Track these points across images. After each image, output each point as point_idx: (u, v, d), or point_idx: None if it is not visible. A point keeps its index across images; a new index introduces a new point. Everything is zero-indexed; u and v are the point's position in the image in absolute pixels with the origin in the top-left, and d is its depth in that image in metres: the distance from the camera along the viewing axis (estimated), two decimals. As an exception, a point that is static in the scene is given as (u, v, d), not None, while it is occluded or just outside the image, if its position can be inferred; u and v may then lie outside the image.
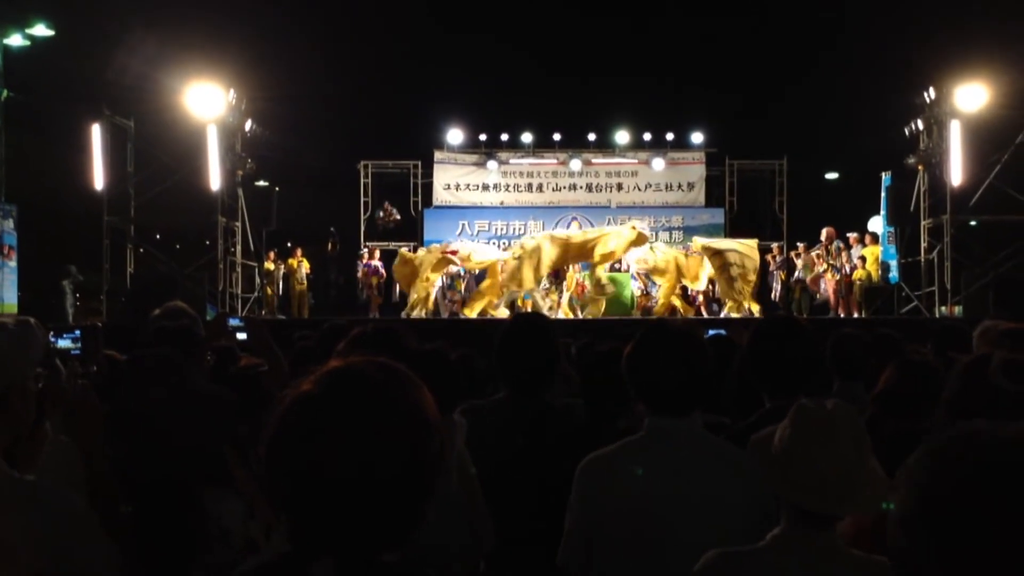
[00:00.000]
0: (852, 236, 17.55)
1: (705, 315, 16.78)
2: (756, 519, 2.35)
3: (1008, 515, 0.93)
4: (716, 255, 15.88)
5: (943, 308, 16.10)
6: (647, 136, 21.39)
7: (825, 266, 16.81)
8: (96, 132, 16.00)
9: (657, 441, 2.45)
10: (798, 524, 1.94)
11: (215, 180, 16.11)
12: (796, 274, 17.58)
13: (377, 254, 18.70)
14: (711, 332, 6.49)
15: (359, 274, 18.45)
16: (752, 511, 2.36)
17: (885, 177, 18.34)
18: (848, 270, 16.97)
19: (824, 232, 17.07)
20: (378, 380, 1.32)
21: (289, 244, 19.60)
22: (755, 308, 15.72)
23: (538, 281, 15.73)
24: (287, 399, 1.31)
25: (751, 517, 2.35)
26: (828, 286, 16.69)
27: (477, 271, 17.03)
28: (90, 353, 3.42)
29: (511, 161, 21.67)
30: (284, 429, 1.29)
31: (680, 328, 2.58)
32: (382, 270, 18.21)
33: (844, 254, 17.00)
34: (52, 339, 5.88)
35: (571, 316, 15.69)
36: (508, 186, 21.66)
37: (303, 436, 1.26)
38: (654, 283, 17.02)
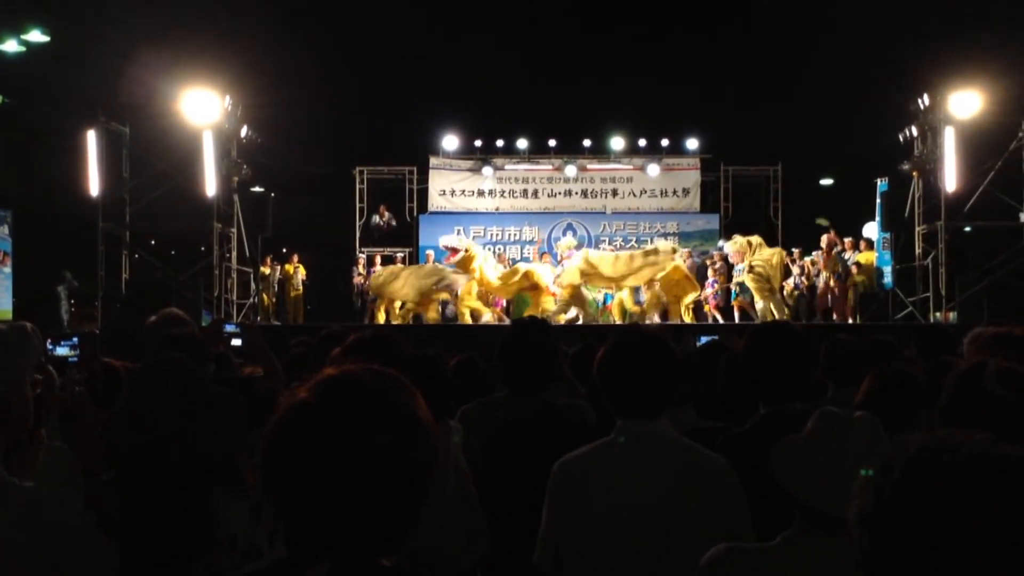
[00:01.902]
0: (847, 241, 17.58)
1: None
2: (724, 520, 2.38)
3: (965, 523, 0.98)
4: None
5: (938, 314, 16.12)
6: (642, 142, 21.41)
7: (827, 274, 16.84)
8: (91, 138, 15.99)
9: (627, 444, 2.50)
10: (808, 526, 1.95)
11: (210, 186, 16.10)
12: (793, 280, 17.57)
13: (378, 260, 18.70)
14: (704, 339, 6.51)
15: (355, 280, 18.48)
16: (719, 511, 2.38)
17: (880, 183, 18.39)
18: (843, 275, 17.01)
19: (825, 239, 17.12)
20: (372, 387, 1.33)
21: (285, 250, 19.60)
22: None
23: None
24: (283, 406, 1.33)
25: (718, 518, 2.38)
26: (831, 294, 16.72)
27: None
28: (87, 360, 3.42)
29: (506, 167, 21.68)
30: (280, 435, 1.30)
31: (649, 333, 2.63)
32: None
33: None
34: (49, 346, 5.85)
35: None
36: (503, 192, 21.67)
37: (299, 442, 1.28)
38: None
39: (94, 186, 16.04)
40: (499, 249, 20.10)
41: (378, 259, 19.02)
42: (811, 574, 1.90)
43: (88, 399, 2.18)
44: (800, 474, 1.97)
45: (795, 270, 17.54)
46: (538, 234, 21.03)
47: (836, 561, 1.91)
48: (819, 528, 1.92)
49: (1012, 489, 0.97)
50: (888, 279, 17.68)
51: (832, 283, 16.78)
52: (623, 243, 20.88)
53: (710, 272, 17.81)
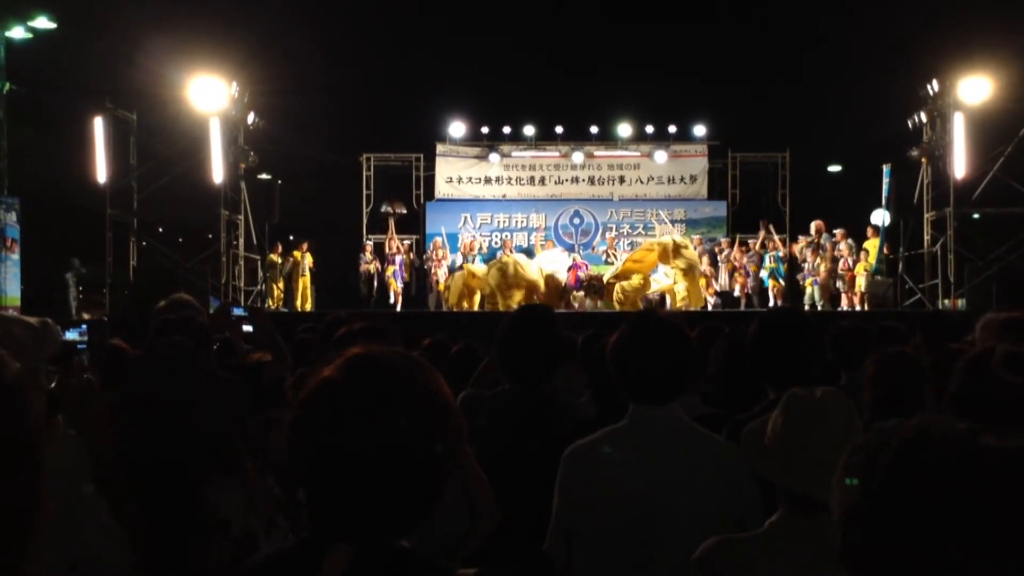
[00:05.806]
0: (839, 232, 17.29)
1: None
2: (735, 506, 2.37)
3: (949, 516, 0.97)
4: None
5: (946, 301, 16.07)
6: (649, 129, 21.30)
7: (818, 260, 16.72)
8: (98, 125, 16.01)
9: (639, 429, 2.49)
10: (793, 511, 1.95)
11: (218, 173, 16.12)
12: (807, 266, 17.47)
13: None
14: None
15: (361, 267, 18.52)
16: (731, 498, 2.38)
17: (887, 170, 18.30)
18: (851, 263, 16.88)
19: (813, 226, 16.99)
20: (397, 366, 1.36)
21: (292, 237, 19.62)
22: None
23: None
24: (310, 384, 1.36)
25: (730, 504, 2.37)
26: (820, 279, 16.60)
27: None
28: (96, 347, 3.43)
29: (513, 154, 21.62)
30: (306, 413, 1.33)
31: (664, 319, 2.62)
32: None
33: (830, 246, 16.85)
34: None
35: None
36: (510, 179, 21.61)
37: (324, 420, 1.30)
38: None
39: (101, 173, 16.07)
40: (505, 236, 20.11)
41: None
42: (799, 558, 1.91)
43: (97, 385, 2.18)
44: (777, 459, 1.97)
45: (810, 258, 17.44)
46: (544, 221, 21.00)
47: (822, 543, 1.92)
48: (801, 511, 1.93)
49: (992, 481, 0.97)
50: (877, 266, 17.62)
51: (846, 267, 16.66)
52: (630, 230, 20.86)
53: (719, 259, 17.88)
